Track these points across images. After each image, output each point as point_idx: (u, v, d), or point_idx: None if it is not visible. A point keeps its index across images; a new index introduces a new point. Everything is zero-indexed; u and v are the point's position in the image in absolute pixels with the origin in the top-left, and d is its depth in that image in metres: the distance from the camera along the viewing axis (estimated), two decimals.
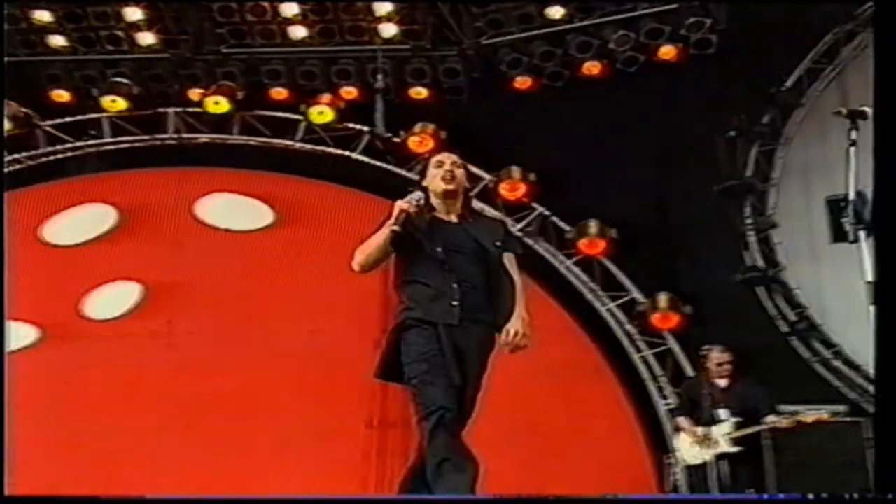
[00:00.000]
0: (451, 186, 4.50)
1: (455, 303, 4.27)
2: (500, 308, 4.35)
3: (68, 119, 11.51)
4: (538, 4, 11.01)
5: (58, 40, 11.40)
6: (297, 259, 10.78)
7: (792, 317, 10.22)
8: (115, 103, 11.30)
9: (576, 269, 10.68)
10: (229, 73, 11.51)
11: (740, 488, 7.58)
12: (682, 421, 8.08)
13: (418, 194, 4.44)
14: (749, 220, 10.54)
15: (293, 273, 10.62)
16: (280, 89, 11.54)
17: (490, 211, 9.42)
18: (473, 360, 4.29)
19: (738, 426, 7.75)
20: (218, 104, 11.21)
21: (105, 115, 11.37)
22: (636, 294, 10.51)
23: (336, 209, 10.97)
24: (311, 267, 10.55)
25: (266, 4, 11.11)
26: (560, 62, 11.18)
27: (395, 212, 4.32)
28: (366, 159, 11.16)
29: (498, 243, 4.48)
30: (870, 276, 3.93)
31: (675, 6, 10.68)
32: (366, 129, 11.23)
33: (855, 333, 9.48)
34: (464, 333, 4.26)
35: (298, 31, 11.30)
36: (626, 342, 10.44)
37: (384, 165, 11.06)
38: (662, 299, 10.28)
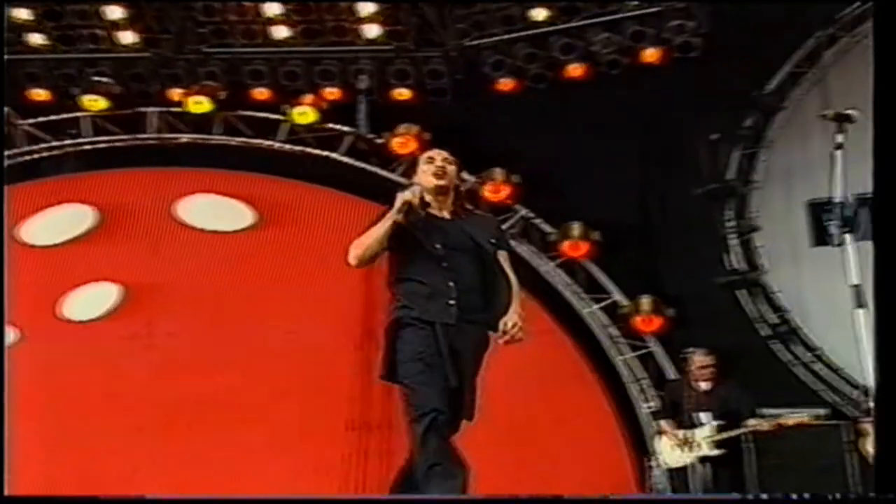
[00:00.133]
0: (442, 182, 4.45)
1: (452, 302, 4.22)
2: (497, 306, 4.29)
3: (46, 118, 11.37)
4: (522, 6, 10.99)
5: (37, 38, 11.24)
6: (278, 260, 10.71)
7: (773, 320, 10.26)
8: (96, 102, 11.20)
9: (559, 272, 10.68)
10: (211, 73, 11.40)
11: (721, 491, 7.59)
12: (664, 424, 8.10)
13: (419, 188, 4.35)
14: (731, 224, 10.56)
15: (273, 274, 10.56)
16: (262, 89, 11.44)
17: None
18: (469, 361, 4.25)
19: (720, 429, 7.78)
20: (199, 104, 11.11)
21: (85, 114, 11.26)
22: (619, 297, 10.51)
23: (318, 210, 10.94)
24: (292, 268, 10.53)
25: (248, 4, 11.04)
26: (543, 64, 11.15)
27: (398, 203, 4.24)
28: (348, 160, 11.11)
29: (493, 241, 4.44)
30: (855, 280, 3.93)
31: (658, 9, 10.69)
32: (348, 130, 11.18)
33: (836, 337, 9.53)
34: (460, 333, 4.21)
35: (281, 31, 11.21)
36: (608, 345, 10.45)
37: (367, 167, 11.00)
38: (645, 302, 10.29)
